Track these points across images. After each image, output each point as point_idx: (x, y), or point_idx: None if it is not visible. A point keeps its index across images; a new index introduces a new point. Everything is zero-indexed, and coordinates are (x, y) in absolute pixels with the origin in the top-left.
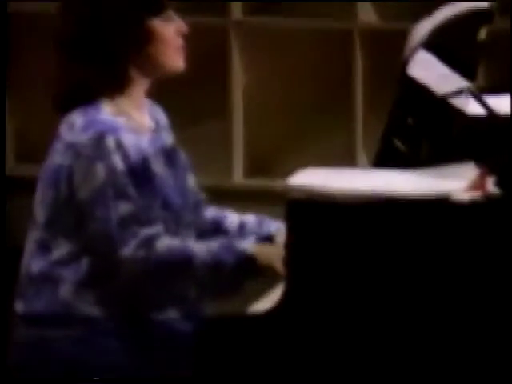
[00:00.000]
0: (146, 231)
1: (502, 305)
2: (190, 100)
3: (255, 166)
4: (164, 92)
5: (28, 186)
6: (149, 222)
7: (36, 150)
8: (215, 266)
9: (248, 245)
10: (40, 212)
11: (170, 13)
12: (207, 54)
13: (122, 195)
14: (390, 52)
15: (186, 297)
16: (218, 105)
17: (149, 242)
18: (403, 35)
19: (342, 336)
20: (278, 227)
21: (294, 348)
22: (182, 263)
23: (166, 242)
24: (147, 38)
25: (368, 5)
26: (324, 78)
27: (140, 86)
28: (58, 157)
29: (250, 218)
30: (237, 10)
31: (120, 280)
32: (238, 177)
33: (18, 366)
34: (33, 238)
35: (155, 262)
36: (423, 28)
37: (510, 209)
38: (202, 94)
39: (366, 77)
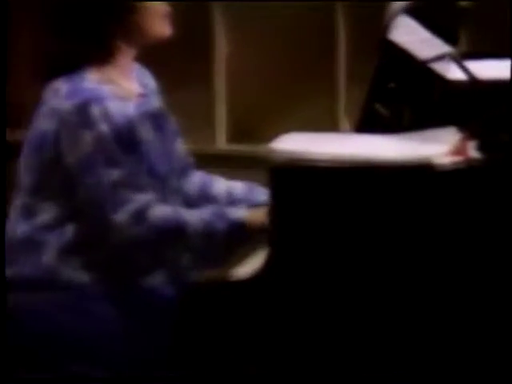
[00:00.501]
0: (139, 198)
1: (484, 269)
2: (174, 66)
3: (238, 132)
4: (146, 59)
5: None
6: (140, 188)
7: (17, 116)
8: (208, 233)
9: (240, 213)
10: (25, 177)
11: None
12: (190, 21)
13: (111, 161)
14: (372, 20)
15: (177, 263)
16: (201, 71)
17: (142, 209)
18: (385, 3)
19: (326, 300)
20: (265, 196)
21: (279, 313)
22: (175, 231)
23: (159, 210)
24: (132, 7)
25: None
26: (307, 43)
27: (127, 54)
28: (43, 122)
29: (239, 186)
30: None
31: (111, 246)
32: (221, 142)
33: (7, 330)
34: (18, 202)
35: (148, 230)
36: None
37: (490, 173)
38: (185, 60)
39: (348, 44)
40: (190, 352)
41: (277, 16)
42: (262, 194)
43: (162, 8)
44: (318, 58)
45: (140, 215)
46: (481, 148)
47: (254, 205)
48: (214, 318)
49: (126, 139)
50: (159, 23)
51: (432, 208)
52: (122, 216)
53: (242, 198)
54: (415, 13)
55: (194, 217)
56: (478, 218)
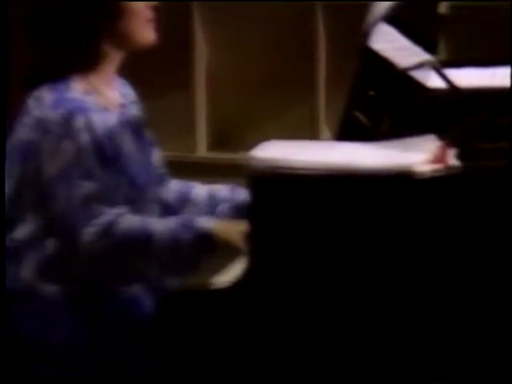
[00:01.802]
0: (109, 212)
1: (463, 273)
2: (154, 73)
3: (218, 139)
4: (127, 65)
5: None
6: (112, 203)
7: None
8: (173, 243)
9: (206, 222)
10: (6, 186)
11: None
12: (170, 26)
13: (87, 175)
14: (352, 25)
15: (147, 274)
16: (181, 78)
17: (110, 223)
18: (366, 9)
19: (306, 308)
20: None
21: (257, 322)
22: (142, 243)
23: (126, 222)
24: (118, 12)
25: None
26: (286, 51)
27: (111, 62)
28: (26, 132)
29: (221, 187)
30: None
31: (80, 261)
32: (202, 150)
33: None
34: None
35: (115, 246)
36: (383, 1)
37: (470, 181)
38: (166, 67)
39: (328, 50)
40: (169, 361)
41: (257, 21)
42: (244, 193)
43: (147, 12)
44: (297, 64)
45: (107, 229)
46: (460, 156)
47: (238, 204)
48: (193, 327)
49: (107, 151)
50: (144, 28)
51: (412, 216)
52: (90, 230)
53: (225, 198)
54: (394, 20)
55: (161, 226)
56: (457, 226)
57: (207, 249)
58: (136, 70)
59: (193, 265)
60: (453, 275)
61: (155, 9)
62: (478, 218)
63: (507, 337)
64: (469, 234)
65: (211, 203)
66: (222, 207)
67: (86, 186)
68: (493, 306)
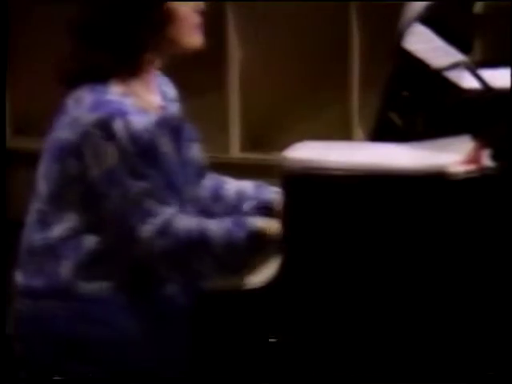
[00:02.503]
0: (164, 210)
1: (496, 278)
2: (188, 75)
3: (252, 140)
4: (161, 67)
5: (24, 159)
6: (165, 201)
7: (33, 124)
8: (230, 242)
9: (257, 221)
10: (43, 185)
11: None
12: (204, 28)
13: (135, 174)
14: (386, 26)
15: (200, 273)
16: (215, 80)
17: (167, 222)
18: (399, 9)
19: (338, 308)
20: (275, 194)
21: (290, 321)
22: (200, 242)
23: (183, 222)
24: (165, 19)
25: None
26: (320, 51)
27: (153, 66)
28: (64, 131)
29: (248, 185)
30: None
31: (135, 258)
32: (235, 151)
33: (16, 336)
34: (34, 210)
35: (173, 243)
36: (418, 2)
37: (504, 182)
38: (199, 68)
39: (362, 51)
40: (204, 361)
41: (290, 23)
42: (270, 191)
43: (194, 17)
44: (331, 65)
45: (165, 229)
46: (495, 157)
47: (263, 202)
48: (227, 327)
49: (147, 153)
50: (191, 33)
51: (446, 217)
52: (148, 228)
53: (252, 196)
54: (429, 21)
55: (215, 226)
56: (492, 227)
57: (259, 247)
58: (170, 71)
59: (245, 263)
60: (489, 275)
61: (202, 13)
62: None
63: (508, 338)
64: (503, 235)
65: (238, 200)
66: (248, 204)
67: (138, 185)
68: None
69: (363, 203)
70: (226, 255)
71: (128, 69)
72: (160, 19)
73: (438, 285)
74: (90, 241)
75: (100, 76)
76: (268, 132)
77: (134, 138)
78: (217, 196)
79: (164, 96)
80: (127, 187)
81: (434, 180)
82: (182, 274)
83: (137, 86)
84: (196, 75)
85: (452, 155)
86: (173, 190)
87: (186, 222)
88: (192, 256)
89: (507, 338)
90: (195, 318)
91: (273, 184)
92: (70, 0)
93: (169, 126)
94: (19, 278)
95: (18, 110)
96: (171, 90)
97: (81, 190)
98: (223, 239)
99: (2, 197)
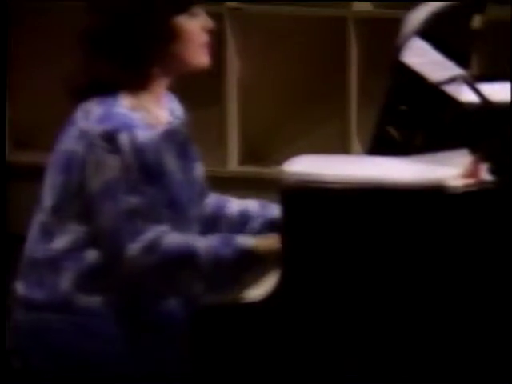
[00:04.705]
0: (154, 228)
1: (495, 290)
2: (186, 89)
3: (249, 154)
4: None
5: (25, 172)
6: (157, 219)
7: (33, 137)
8: (216, 260)
9: (245, 239)
10: (48, 196)
11: (196, 8)
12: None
13: (132, 190)
14: (384, 40)
15: (188, 290)
16: (214, 94)
17: (156, 240)
18: (397, 23)
19: (339, 322)
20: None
21: (290, 335)
22: (185, 260)
23: (171, 239)
24: (173, 36)
25: None
26: (318, 65)
27: (162, 82)
28: (71, 143)
29: (252, 203)
30: None
31: (124, 274)
32: (233, 164)
33: (14, 349)
34: (37, 221)
35: (160, 260)
36: (417, 16)
37: (503, 196)
38: (198, 83)
39: (360, 64)
40: (202, 374)
41: (289, 36)
42: (274, 209)
43: (203, 36)
44: (329, 79)
45: (153, 246)
46: (493, 170)
47: (269, 220)
48: (226, 341)
49: (150, 169)
50: (199, 52)
51: (445, 230)
52: (135, 246)
53: (256, 214)
54: (427, 35)
55: (203, 244)
56: (490, 241)
57: (247, 264)
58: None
59: (233, 280)
60: (485, 288)
61: (210, 32)
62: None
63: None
64: (502, 249)
65: (242, 220)
66: (253, 224)
67: (131, 202)
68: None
69: (361, 217)
70: (213, 272)
71: (136, 82)
72: (165, 35)
73: (437, 298)
74: (91, 254)
75: (109, 89)
76: (266, 146)
77: (138, 152)
78: (219, 215)
79: (172, 113)
80: (120, 203)
81: (433, 194)
82: (171, 290)
83: (146, 100)
84: (194, 89)
85: (450, 169)
86: (176, 207)
87: (175, 240)
88: (179, 273)
89: (497, 350)
90: (193, 331)
91: (271, 197)
92: (69, 11)
93: (175, 143)
94: (20, 289)
95: (18, 124)
96: (178, 108)
97: (81, 202)
98: (210, 257)
99: (2, 210)
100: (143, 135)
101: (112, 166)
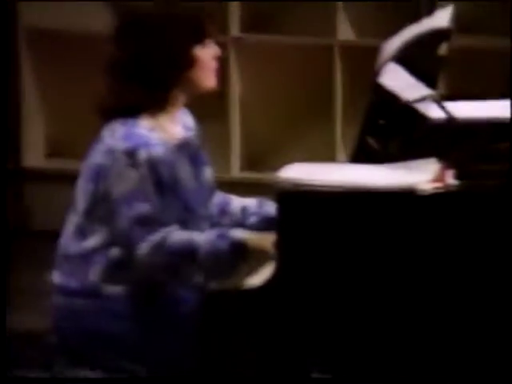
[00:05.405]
0: (161, 230)
1: (464, 287)
2: (195, 106)
3: (250, 162)
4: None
5: (55, 177)
6: (165, 223)
7: (65, 147)
8: (213, 252)
9: (240, 232)
10: (80, 201)
11: (209, 40)
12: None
13: (145, 199)
14: (366, 65)
15: (193, 280)
16: (219, 111)
17: (162, 239)
18: (377, 50)
19: (325, 310)
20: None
21: (285, 320)
22: (188, 254)
23: (175, 238)
24: (190, 64)
25: (347, 23)
26: (309, 87)
27: (178, 103)
28: (98, 157)
29: (251, 201)
30: (234, 28)
31: (137, 269)
32: (235, 171)
33: (53, 328)
34: (72, 221)
35: (166, 257)
36: (393, 44)
37: (465, 197)
38: (204, 99)
39: (344, 85)
40: (207, 360)
41: (284, 61)
42: (272, 206)
43: (213, 62)
44: (318, 99)
45: (159, 244)
46: (458, 176)
47: (265, 216)
48: (227, 325)
49: (164, 181)
50: (210, 77)
51: (416, 228)
52: (144, 245)
53: (255, 211)
54: (401, 60)
55: (202, 238)
56: (456, 238)
57: (242, 256)
58: None
59: (230, 270)
60: (451, 282)
61: (218, 59)
62: (475, 231)
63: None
64: (466, 244)
65: (243, 215)
66: (252, 219)
67: (144, 209)
68: (489, 318)
69: (345, 215)
70: (212, 264)
71: (157, 105)
72: (185, 63)
73: (418, 293)
74: (114, 251)
75: (132, 111)
76: (264, 155)
77: (154, 167)
78: (224, 212)
79: (185, 126)
80: (134, 209)
81: (406, 196)
82: (176, 281)
83: (163, 119)
84: (203, 107)
85: (421, 175)
86: (188, 210)
87: (178, 237)
88: (183, 265)
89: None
90: (201, 314)
91: (268, 199)
92: (95, 39)
93: (187, 153)
94: (56, 277)
95: (52, 136)
96: (190, 120)
97: (105, 209)
98: (208, 250)
99: (3, 207)
100: (159, 152)
101: (131, 178)
